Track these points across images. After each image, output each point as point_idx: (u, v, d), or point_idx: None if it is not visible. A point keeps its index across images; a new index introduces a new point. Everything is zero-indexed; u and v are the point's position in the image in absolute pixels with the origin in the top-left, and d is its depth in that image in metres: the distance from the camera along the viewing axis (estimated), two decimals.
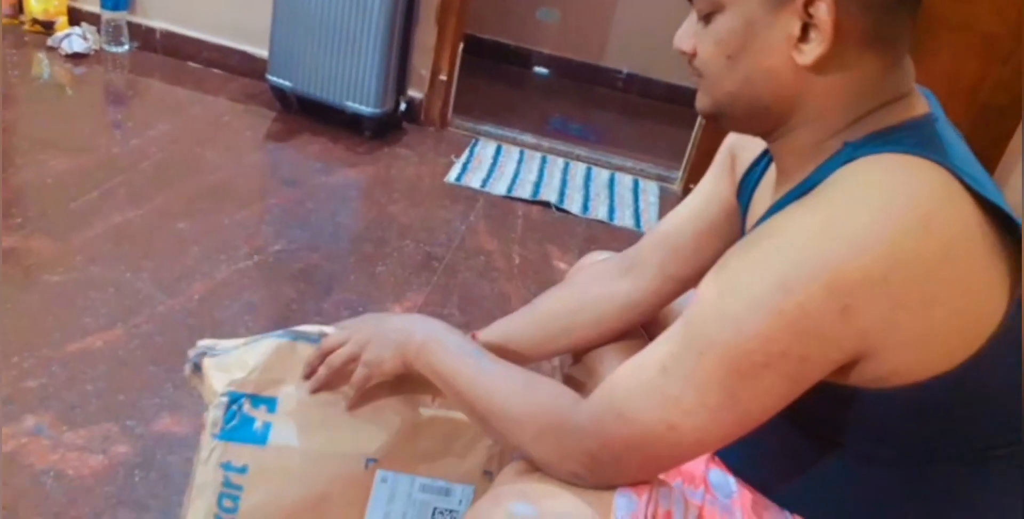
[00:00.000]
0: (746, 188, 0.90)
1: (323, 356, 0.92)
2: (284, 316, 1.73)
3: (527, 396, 0.77)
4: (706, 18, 0.72)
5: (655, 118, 3.44)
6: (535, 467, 0.76)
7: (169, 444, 1.33)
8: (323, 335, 0.94)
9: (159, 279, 1.75)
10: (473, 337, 1.05)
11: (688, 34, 0.75)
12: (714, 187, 0.98)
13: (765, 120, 0.74)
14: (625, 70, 3.61)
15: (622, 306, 1.03)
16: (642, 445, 0.68)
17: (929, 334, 0.63)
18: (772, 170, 0.83)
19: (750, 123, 0.76)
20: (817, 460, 0.76)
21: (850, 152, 0.67)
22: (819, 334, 0.62)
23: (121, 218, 1.94)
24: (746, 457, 0.82)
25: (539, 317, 1.07)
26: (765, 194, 0.84)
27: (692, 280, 1.01)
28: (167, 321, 1.63)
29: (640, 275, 1.02)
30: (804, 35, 0.67)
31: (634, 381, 0.69)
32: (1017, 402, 0.68)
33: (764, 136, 0.77)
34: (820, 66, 0.67)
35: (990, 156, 2.40)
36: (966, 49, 2.28)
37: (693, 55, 0.74)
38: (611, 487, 0.72)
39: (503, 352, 1.02)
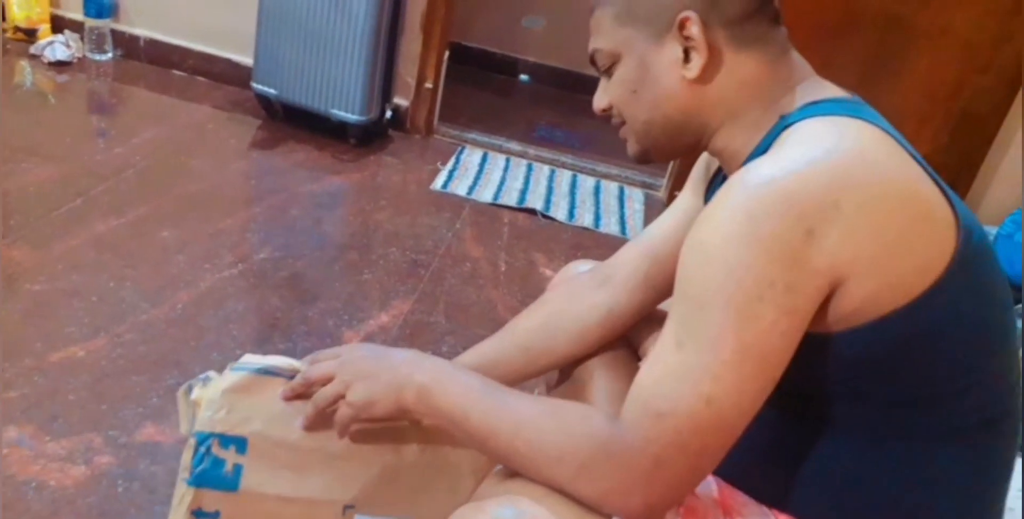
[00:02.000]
0: (710, 196, 0.93)
1: (307, 385, 0.85)
2: (269, 324, 1.72)
3: (558, 427, 0.72)
4: (608, 72, 0.85)
5: None
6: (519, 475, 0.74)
7: (152, 454, 1.32)
8: (293, 369, 0.88)
9: (142, 288, 1.74)
10: None
11: (600, 94, 0.87)
12: (692, 199, 1.01)
13: (685, 135, 0.84)
14: None
15: (603, 318, 1.03)
16: (691, 436, 0.66)
17: (887, 261, 0.68)
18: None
19: (674, 144, 0.86)
20: (795, 443, 0.78)
21: (784, 122, 0.76)
22: (794, 258, 0.66)
23: (104, 227, 1.93)
24: (733, 460, 0.83)
25: (519, 338, 1.06)
26: None
27: (670, 291, 1.02)
28: (150, 330, 1.62)
29: (619, 286, 1.03)
30: (687, 56, 0.79)
31: (657, 372, 0.69)
32: (973, 342, 0.72)
33: (696, 149, 0.86)
34: (705, 76, 0.79)
35: (970, 164, 2.42)
36: (945, 57, 2.31)
37: (610, 109, 0.87)
38: (670, 508, 0.71)
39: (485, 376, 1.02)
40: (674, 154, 0.89)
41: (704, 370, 0.66)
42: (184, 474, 0.85)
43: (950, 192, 0.73)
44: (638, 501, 0.68)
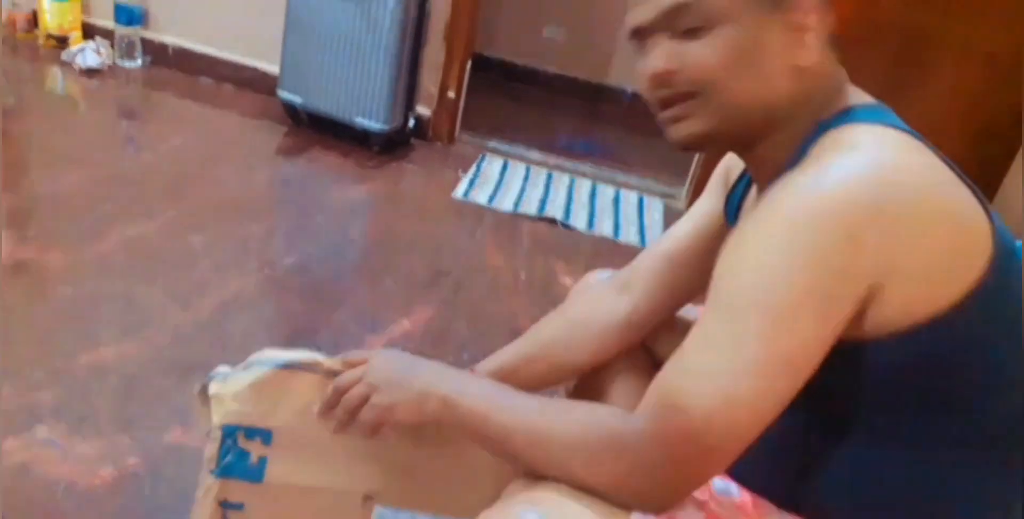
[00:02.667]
0: (732, 204, 0.94)
1: (339, 394, 0.87)
2: (294, 329, 1.75)
3: (570, 419, 0.74)
4: (691, 33, 0.74)
5: (660, 136, 3.45)
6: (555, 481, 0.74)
7: (179, 456, 1.35)
8: (316, 362, 0.91)
9: (171, 292, 1.77)
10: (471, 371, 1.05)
11: (665, 55, 0.76)
12: (711, 206, 1.01)
13: (755, 128, 0.78)
14: (630, 89, 3.65)
15: (623, 326, 1.04)
16: (705, 434, 0.66)
17: (925, 267, 0.68)
18: (754, 188, 0.87)
19: (741, 134, 0.79)
20: (820, 446, 0.78)
21: (823, 128, 0.74)
22: (834, 266, 0.66)
23: (133, 231, 1.97)
24: (746, 459, 0.84)
25: (541, 345, 1.07)
26: (749, 206, 0.88)
27: (689, 296, 1.04)
28: (178, 334, 1.65)
29: (638, 293, 1.03)
30: (794, 37, 0.74)
31: (679, 368, 0.69)
32: (1009, 352, 0.72)
33: (747, 147, 0.81)
34: (810, 68, 0.75)
35: (992, 177, 2.41)
36: (967, 70, 2.31)
37: (671, 75, 0.76)
38: (679, 500, 0.71)
39: (506, 382, 1.03)
40: (731, 146, 0.83)
41: (729, 371, 0.66)
42: (210, 465, 0.88)
43: (984, 200, 0.72)
44: (648, 490, 0.69)
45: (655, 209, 2.71)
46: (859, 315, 0.68)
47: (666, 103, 0.78)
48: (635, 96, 3.65)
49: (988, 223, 0.70)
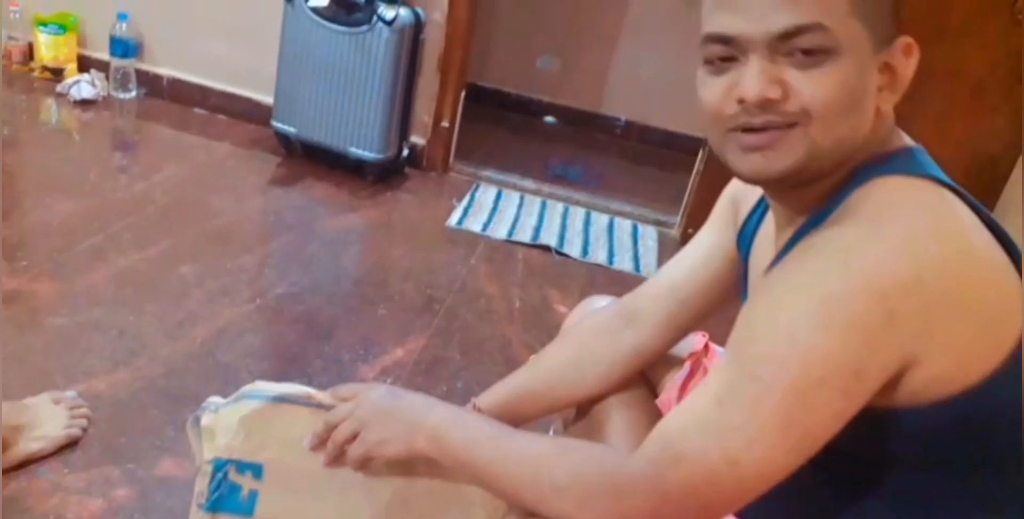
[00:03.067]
0: (745, 237, 0.92)
1: (330, 429, 0.87)
2: (286, 359, 1.73)
3: (564, 459, 0.73)
4: (812, 62, 0.67)
5: (653, 164, 3.49)
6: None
7: (169, 488, 1.33)
8: (307, 396, 0.91)
9: (162, 322, 1.76)
10: (475, 407, 1.03)
11: (772, 79, 0.68)
12: (717, 238, 0.99)
13: (829, 167, 0.73)
14: (623, 117, 3.68)
15: (629, 357, 1.03)
16: (705, 488, 0.66)
17: (962, 339, 0.66)
18: (770, 218, 0.85)
19: (822, 172, 0.73)
20: (838, 505, 0.76)
21: (863, 175, 0.72)
22: (869, 343, 0.63)
23: (125, 261, 1.96)
24: (760, 509, 0.82)
25: (547, 374, 1.06)
26: (766, 241, 0.86)
27: (692, 329, 1.04)
28: (170, 364, 1.63)
29: (644, 325, 1.02)
30: (883, 80, 0.71)
31: (688, 419, 0.68)
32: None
33: (799, 186, 0.75)
34: (888, 110, 0.73)
35: (984, 202, 2.43)
36: (958, 97, 2.33)
37: (776, 102, 0.68)
38: None
39: (508, 413, 1.02)
40: (801, 182, 0.74)
41: (738, 432, 0.65)
42: (200, 500, 0.87)
43: (1015, 248, 0.71)
44: None
45: (649, 237, 2.72)
46: (890, 386, 0.66)
47: (753, 128, 0.70)
48: (629, 124, 3.67)
49: (1017, 282, 0.69)
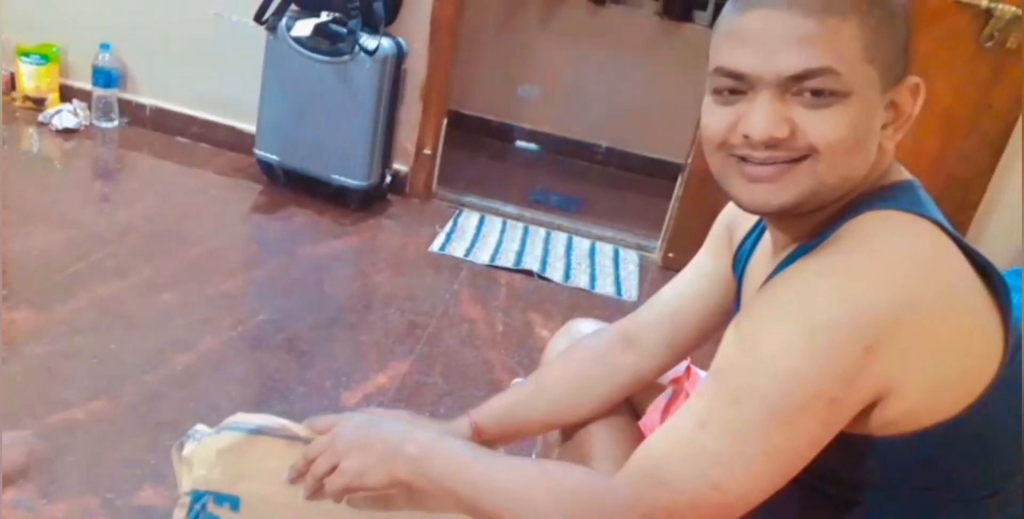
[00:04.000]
0: (740, 260, 0.94)
1: (309, 462, 0.86)
2: (268, 387, 1.73)
3: (547, 484, 0.74)
4: (821, 103, 0.68)
5: (634, 190, 3.53)
6: None
7: (149, 517, 1.32)
8: (284, 428, 0.90)
9: (143, 350, 1.75)
10: (472, 423, 1.04)
11: (780, 118, 0.69)
12: (712, 262, 1.01)
13: (832, 200, 0.74)
14: (604, 144, 3.72)
15: (628, 380, 1.04)
16: (688, 512, 0.67)
17: (939, 376, 0.67)
18: (766, 240, 0.87)
19: (819, 204, 0.74)
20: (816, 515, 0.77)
21: (856, 208, 0.73)
22: (847, 375, 0.65)
23: (106, 290, 1.95)
24: None
25: (544, 393, 1.06)
26: (760, 263, 0.88)
27: (692, 350, 1.05)
28: (150, 392, 1.62)
29: (643, 349, 1.04)
30: (889, 119, 0.72)
31: (670, 443, 0.69)
32: (1011, 451, 0.72)
33: (801, 216, 0.76)
34: (890, 147, 0.73)
35: (957, 227, 2.47)
36: (929, 124, 2.38)
37: (789, 139, 0.69)
38: None
39: (505, 431, 1.03)
40: (802, 213, 0.75)
41: (720, 458, 0.66)
42: None
43: (1000, 284, 0.71)
44: None
45: (630, 261, 2.74)
46: (864, 415, 0.68)
47: (759, 161, 0.71)
48: (609, 151, 3.72)
49: (1001, 324, 0.69)
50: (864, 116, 0.70)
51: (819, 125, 0.69)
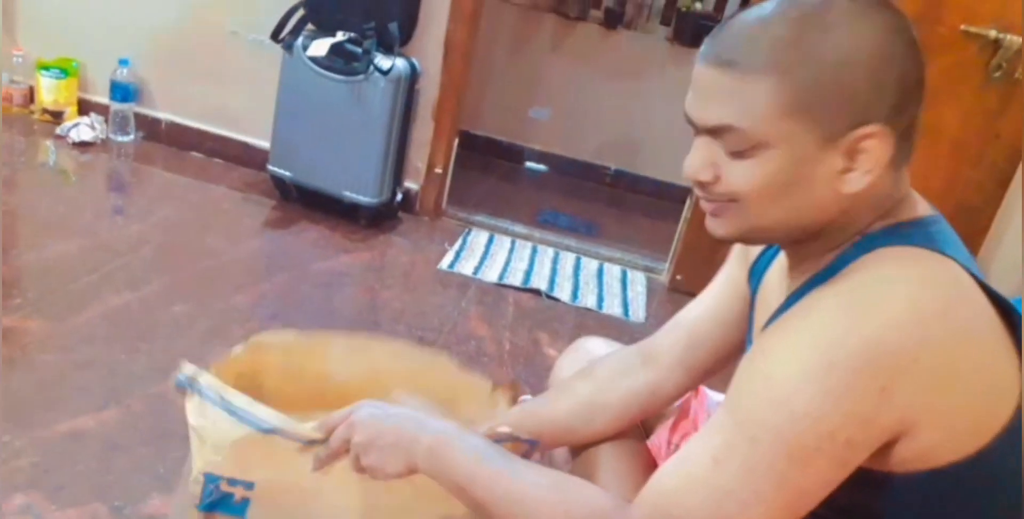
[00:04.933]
0: (756, 274, 0.94)
1: (333, 457, 0.88)
2: None
3: (559, 496, 0.74)
4: (740, 153, 0.71)
5: (642, 212, 3.55)
6: None
7: None
8: (296, 432, 0.92)
9: (153, 361, 1.76)
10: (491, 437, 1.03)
11: (706, 163, 0.73)
12: (731, 278, 1.01)
13: (797, 236, 0.77)
14: (613, 166, 3.75)
15: (644, 396, 1.04)
16: None
17: (956, 415, 0.67)
18: (781, 258, 0.87)
19: (779, 240, 0.80)
20: None
21: (868, 243, 0.73)
22: (862, 415, 0.65)
23: (119, 301, 1.97)
24: None
25: (561, 403, 1.05)
26: (775, 280, 0.88)
27: (712, 371, 1.04)
28: (160, 403, 1.63)
29: (660, 365, 1.03)
30: (848, 164, 0.71)
31: (684, 478, 0.69)
32: (1018, 491, 0.71)
33: (785, 245, 0.81)
34: (862, 191, 0.72)
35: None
36: (937, 153, 2.40)
37: (714, 183, 0.74)
38: None
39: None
40: (792, 241, 0.79)
41: (732, 495, 0.66)
42: (195, 500, 0.90)
43: (1017, 319, 0.71)
44: None
45: (638, 282, 2.75)
46: (881, 452, 0.68)
47: (702, 197, 0.76)
48: (618, 173, 3.74)
49: (1018, 363, 0.70)
50: (787, 166, 0.70)
51: (737, 175, 0.72)
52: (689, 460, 0.70)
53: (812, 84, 0.68)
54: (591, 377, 1.07)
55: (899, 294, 0.66)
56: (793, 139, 0.69)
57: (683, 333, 1.03)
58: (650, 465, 1.03)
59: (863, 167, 0.71)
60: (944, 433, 0.67)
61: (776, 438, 0.65)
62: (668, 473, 0.71)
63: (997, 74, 2.31)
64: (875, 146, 0.70)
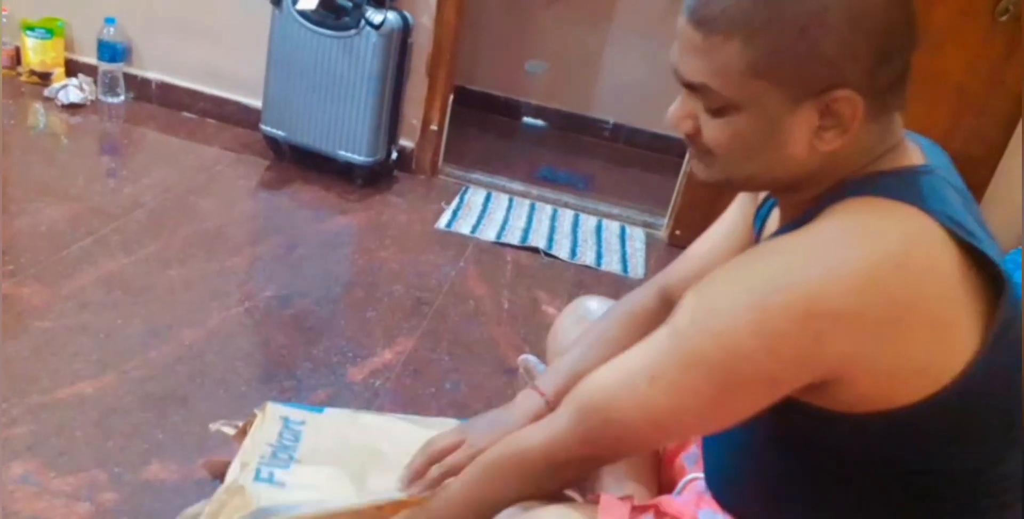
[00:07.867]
0: (760, 216, 0.96)
1: (429, 461, 0.97)
2: (274, 362, 1.73)
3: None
4: (715, 111, 0.73)
5: (641, 166, 3.51)
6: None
7: (156, 492, 1.33)
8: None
9: (150, 325, 1.76)
10: (540, 394, 1.05)
11: (685, 115, 0.76)
12: (739, 214, 1.03)
13: (776, 188, 0.82)
14: (611, 120, 3.69)
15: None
16: (630, 438, 0.78)
17: (897, 368, 0.67)
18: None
19: (761, 188, 0.85)
20: (810, 491, 0.79)
21: (840, 193, 0.74)
22: (793, 357, 0.67)
23: (114, 265, 1.96)
24: (738, 495, 0.84)
25: (595, 354, 1.04)
26: (772, 225, 0.90)
27: None
28: (157, 367, 1.63)
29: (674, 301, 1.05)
30: (823, 122, 0.71)
31: (621, 388, 0.76)
32: (1002, 429, 0.72)
33: (785, 190, 0.82)
34: (838, 148, 0.72)
35: None
36: (939, 101, 2.36)
37: (695, 135, 0.76)
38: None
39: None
40: (775, 189, 0.84)
41: (662, 410, 0.74)
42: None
43: (1000, 277, 0.69)
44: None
45: (637, 238, 2.73)
46: (814, 391, 0.70)
47: (693, 148, 0.79)
48: (617, 127, 3.69)
49: (985, 306, 0.68)
50: (760, 126, 0.72)
51: (712, 132, 0.74)
52: (629, 371, 0.76)
53: (779, 47, 0.68)
54: (617, 322, 1.08)
55: (850, 247, 0.67)
56: (763, 101, 0.71)
57: (695, 268, 1.03)
58: (651, 465, 1.04)
59: (838, 127, 0.71)
60: (882, 383, 0.68)
61: (708, 369, 0.70)
62: (606, 376, 0.78)
63: (1004, 17, 2.24)
64: (848, 108, 0.70)
